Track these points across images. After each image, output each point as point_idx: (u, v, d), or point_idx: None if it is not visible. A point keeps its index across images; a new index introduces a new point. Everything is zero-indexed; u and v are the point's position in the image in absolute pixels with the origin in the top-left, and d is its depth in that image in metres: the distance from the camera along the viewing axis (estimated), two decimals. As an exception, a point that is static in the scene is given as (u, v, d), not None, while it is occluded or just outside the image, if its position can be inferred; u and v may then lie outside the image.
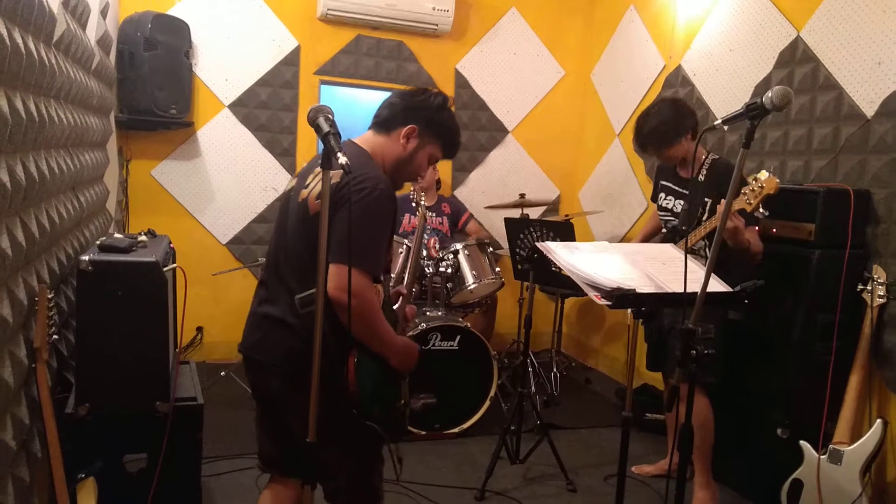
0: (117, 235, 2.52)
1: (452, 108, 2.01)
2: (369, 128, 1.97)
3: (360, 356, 1.79)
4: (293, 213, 1.88)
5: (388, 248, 1.90)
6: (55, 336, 1.97)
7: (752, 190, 2.47)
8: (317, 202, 1.73)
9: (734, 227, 2.56)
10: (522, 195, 4.30)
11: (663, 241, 3.04)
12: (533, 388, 4.10)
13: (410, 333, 3.48)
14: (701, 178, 2.88)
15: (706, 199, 2.83)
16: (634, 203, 4.66)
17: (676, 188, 3.01)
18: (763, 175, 2.48)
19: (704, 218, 2.83)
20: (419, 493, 2.98)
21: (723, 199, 2.60)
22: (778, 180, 2.45)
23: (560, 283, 3.46)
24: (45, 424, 1.87)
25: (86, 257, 2.13)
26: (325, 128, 1.44)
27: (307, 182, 1.87)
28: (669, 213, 3.04)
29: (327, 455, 1.75)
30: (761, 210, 2.54)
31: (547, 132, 5.24)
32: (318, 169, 1.78)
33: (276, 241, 1.94)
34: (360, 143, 1.92)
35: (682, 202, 2.96)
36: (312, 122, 1.48)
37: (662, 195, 3.09)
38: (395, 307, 2.14)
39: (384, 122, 1.92)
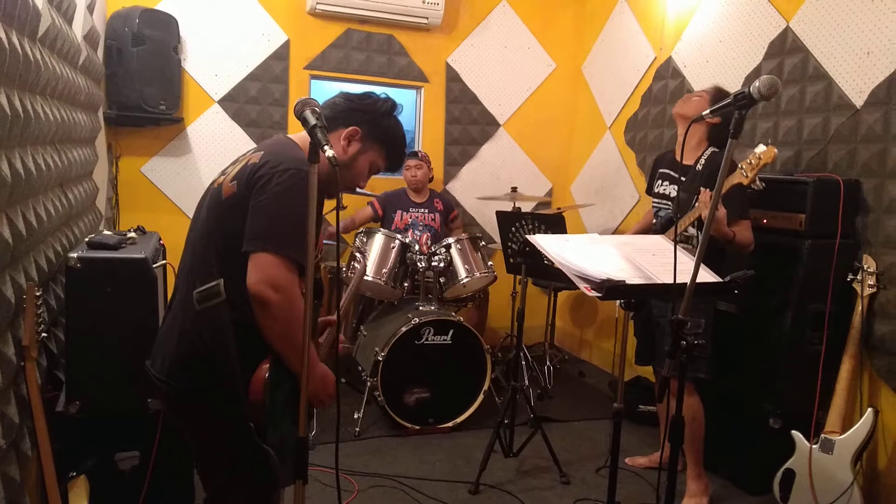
0: (106, 232, 2.51)
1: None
2: None
3: (275, 368, 1.56)
4: (205, 203, 1.72)
5: (313, 241, 1.65)
6: (44, 334, 1.97)
7: (749, 163, 2.47)
8: (231, 184, 1.61)
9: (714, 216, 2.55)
10: (514, 188, 4.30)
11: (654, 229, 3.05)
12: (526, 382, 4.11)
13: (404, 328, 3.48)
14: (699, 167, 2.89)
15: (701, 189, 2.84)
16: (626, 196, 4.67)
17: (677, 175, 3.01)
18: (760, 148, 2.49)
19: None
20: (413, 487, 2.98)
21: (706, 190, 2.62)
22: (776, 150, 2.44)
23: (553, 277, 3.46)
24: (34, 423, 1.86)
25: (74, 254, 2.12)
26: (312, 120, 1.42)
27: (225, 169, 1.75)
28: (666, 200, 3.03)
29: (214, 478, 1.65)
30: (758, 182, 2.54)
31: (538, 125, 5.24)
32: (240, 157, 1.73)
33: (186, 243, 1.75)
34: (293, 138, 1.75)
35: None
36: (299, 114, 1.46)
37: (660, 182, 3.09)
38: (320, 339, 1.89)
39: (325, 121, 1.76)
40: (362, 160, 1.79)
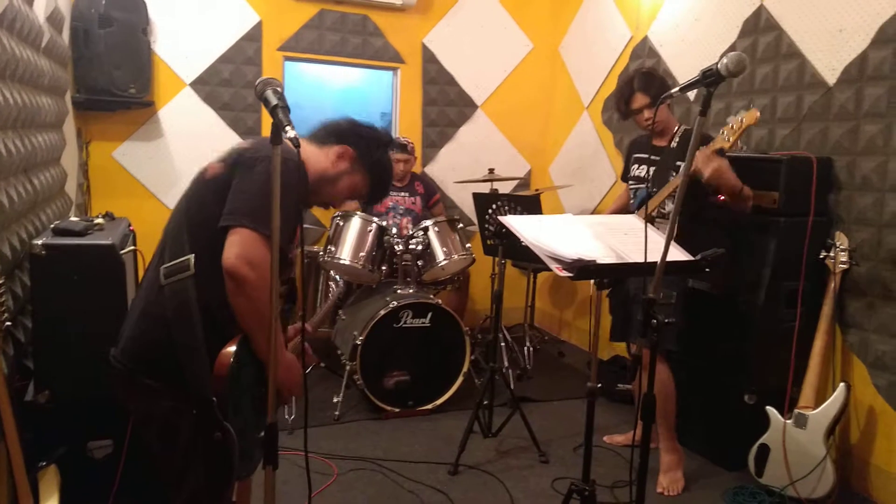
0: (73, 218, 2.46)
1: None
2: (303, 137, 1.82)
3: (242, 348, 1.53)
4: (189, 186, 1.71)
5: (290, 234, 1.66)
6: (9, 322, 1.92)
7: (731, 127, 2.49)
8: (217, 164, 1.63)
9: (717, 167, 2.57)
10: (491, 170, 4.28)
11: (631, 206, 3.06)
12: (506, 363, 4.12)
13: (382, 312, 3.46)
14: (673, 144, 2.91)
15: (678, 163, 2.85)
16: (604, 176, 4.67)
17: (653, 157, 3.01)
18: (741, 112, 2.50)
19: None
20: (393, 469, 2.98)
21: (703, 148, 2.62)
22: (758, 113, 2.46)
23: (532, 258, 3.45)
24: (1, 412, 1.82)
25: (39, 241, 2.08)
26: (274, 101, 1.38)
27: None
28: (643, 182, 3.04)
29: (171, 460, 1.61)
30: (739, 144, 2.54)
31: (516, 106, 5.21)
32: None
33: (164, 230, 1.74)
34: None
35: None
36: (260, 94, 1.42)
37: (636, 166, 3.10)
38: (288, 345, 1.84)
39: (322, 135, 1.84)
40: (346, 181, 1.83)
